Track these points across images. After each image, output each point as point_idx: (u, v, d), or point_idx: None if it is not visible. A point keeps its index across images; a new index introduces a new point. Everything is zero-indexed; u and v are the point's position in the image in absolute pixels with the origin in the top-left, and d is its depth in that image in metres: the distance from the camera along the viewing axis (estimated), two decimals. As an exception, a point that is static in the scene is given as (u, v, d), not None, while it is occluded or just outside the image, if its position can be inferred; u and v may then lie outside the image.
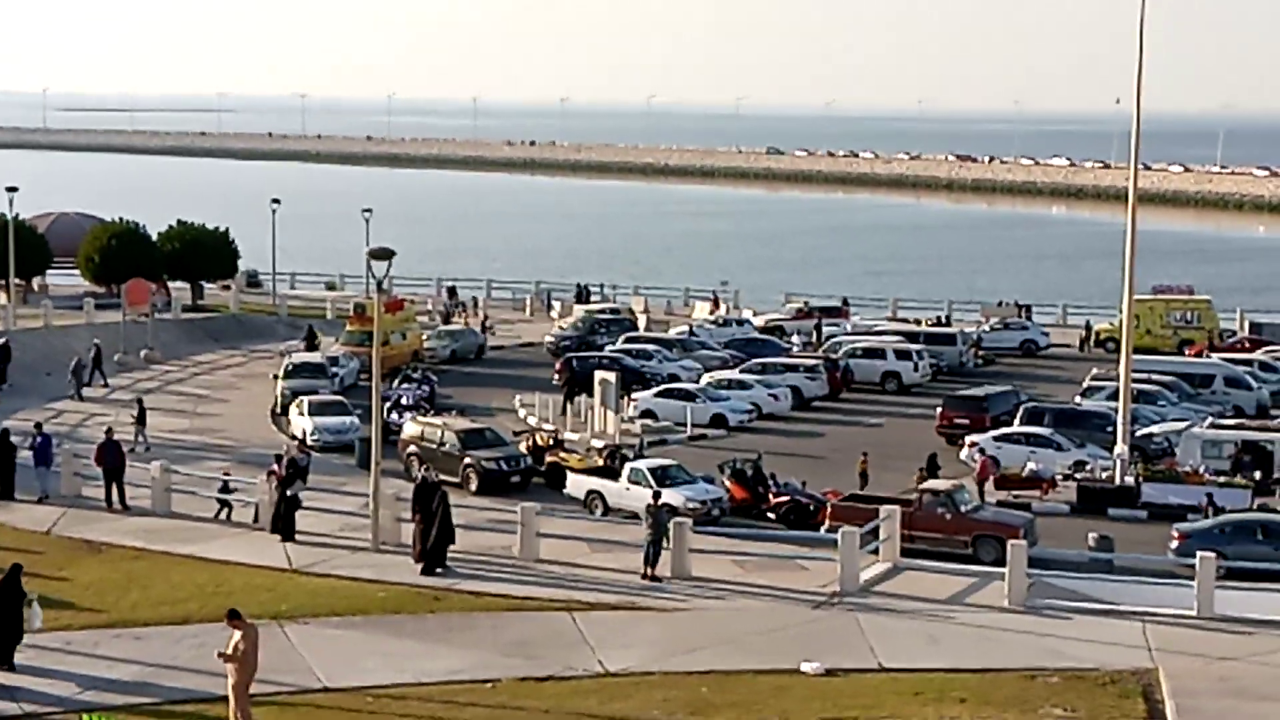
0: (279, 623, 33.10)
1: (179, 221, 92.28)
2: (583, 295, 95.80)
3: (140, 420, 53.97)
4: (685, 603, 35.40)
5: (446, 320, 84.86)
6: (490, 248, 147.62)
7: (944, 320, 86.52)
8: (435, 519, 37.92)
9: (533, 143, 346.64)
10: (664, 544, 37.16)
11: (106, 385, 65.64)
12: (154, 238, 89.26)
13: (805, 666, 30.63)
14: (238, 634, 27.27)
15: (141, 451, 50.91)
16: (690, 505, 44.48)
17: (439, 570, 37.38)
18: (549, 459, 51.02)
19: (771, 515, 46.14)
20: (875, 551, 38.13)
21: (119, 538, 40.72)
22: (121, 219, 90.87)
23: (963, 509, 42.88)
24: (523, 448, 51.98)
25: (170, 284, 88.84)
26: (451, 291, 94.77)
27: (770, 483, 47.70)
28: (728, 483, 47.91)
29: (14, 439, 46.21)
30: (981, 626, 33.55)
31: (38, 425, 47.06)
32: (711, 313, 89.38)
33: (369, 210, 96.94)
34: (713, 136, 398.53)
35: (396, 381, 61.92)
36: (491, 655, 31.91)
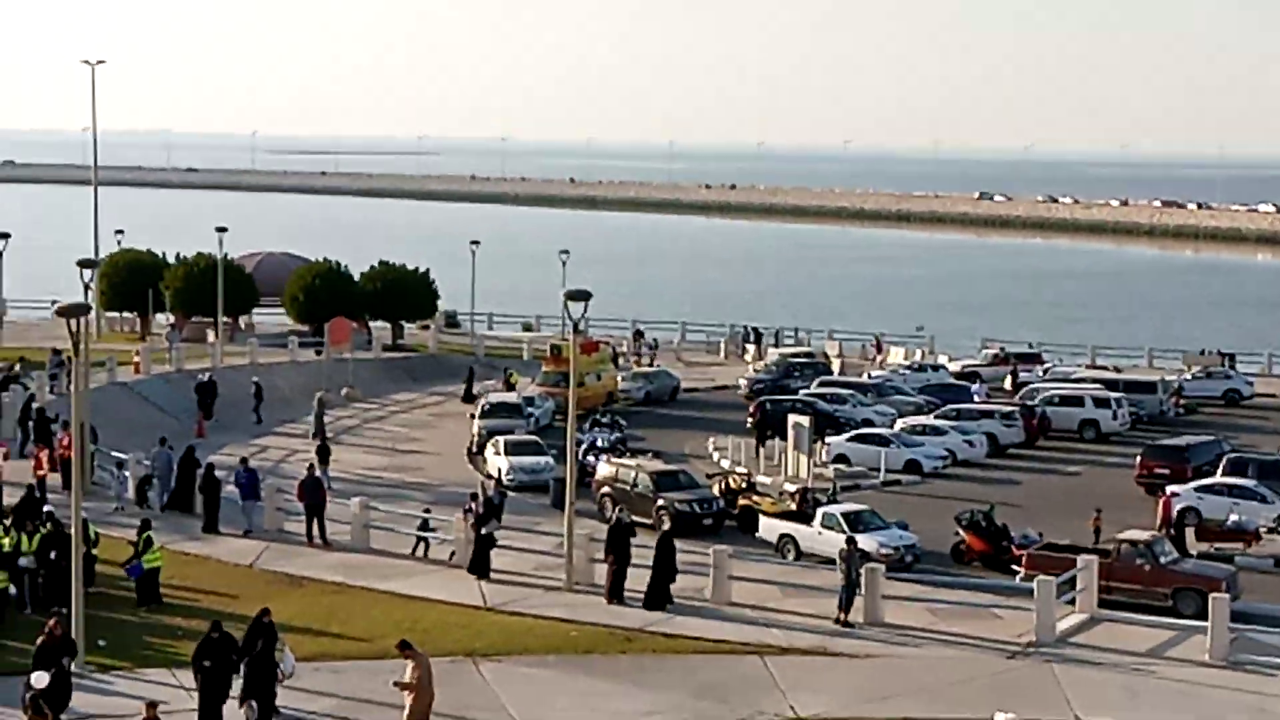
0: (473, 660, 33.48)
1: (380, 262, 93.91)
2: (756, 339, 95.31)
3: (324, 458, 54.63)
4: (878, 649, 35.18)
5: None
6: (684, 290, 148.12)
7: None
8: (629, 559, 38.33)
9: (733, 186, 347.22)
10: (857, 589, 36.99)
11: (260, 422, 66.87)
12: (356, 278, 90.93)
13: (999, 717, 30.24)
14: (410, 664, 27.81)
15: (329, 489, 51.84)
16: (883, 551, 44.16)
17: (664, 609, 37.69)
18: (742, 502, 51.02)
19: (1016, 567, 44.25)
20: (1071, 602, 37.58)
21: (319, 572, 41.48)
22: (325, 259, 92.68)
23: (1162, 560, 42.01)
24: (716, 490, 52.04)
25: (371, 323, 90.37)
26: (638, 334, 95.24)
27: (1006, 533, 46.51)
28: (964, 534, 46.94)
29: (219, 474, 47.34)
30: (1182, 681, 32.89)
31: (244, 460, 48.12)
32: (879, 356, 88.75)
33: (566, 252, 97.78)
34: (910, 180, 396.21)
35: (587, 425, 62.37)
36: (683, 697, 31.97)
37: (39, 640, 29.53)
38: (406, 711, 27.83)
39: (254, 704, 29.06)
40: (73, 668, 29.82)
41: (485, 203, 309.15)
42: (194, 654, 30.01)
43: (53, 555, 36.91)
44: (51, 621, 30.05)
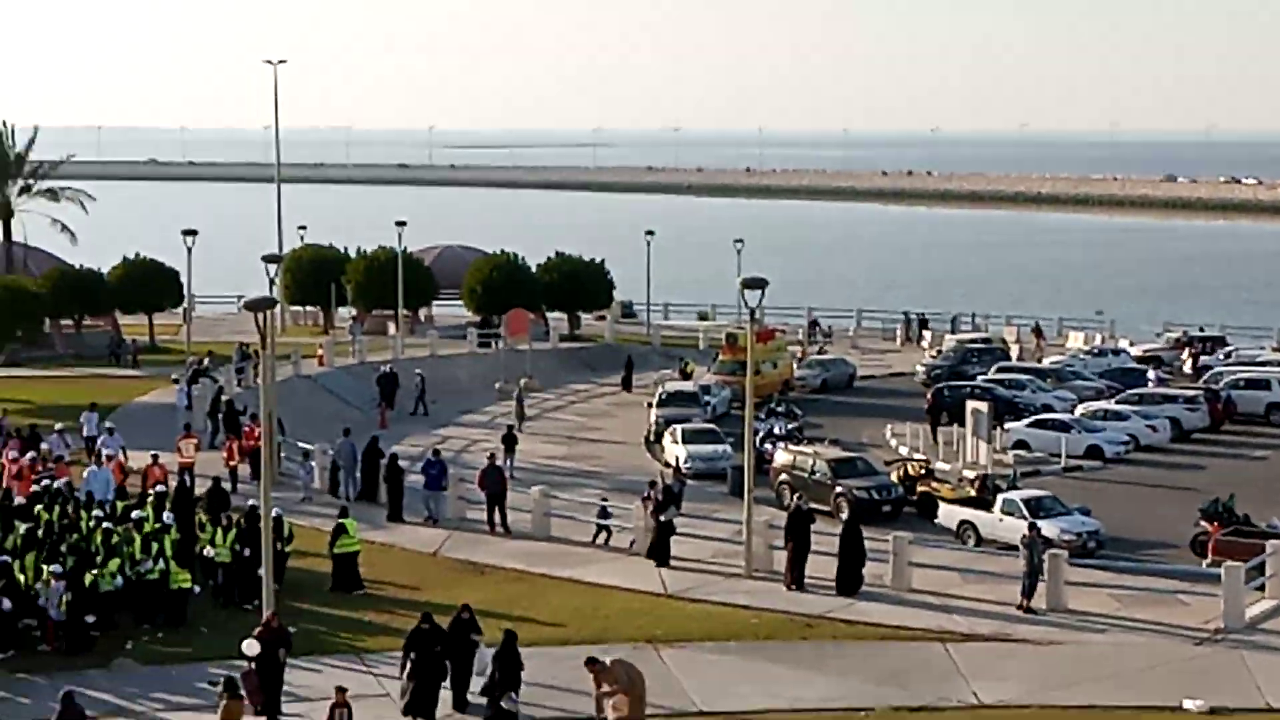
0: (655, 646, 33.73)
1: (557, 253, 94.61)
2: (921, 326, 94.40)
3: (509, 447, 55.28)
4: (1061, 635, 34.88)
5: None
6: (860, 277, 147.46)
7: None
8: (808, 546, 38.44)
9: (909, 172, 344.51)
10: (1039, 576, 36.68)
11: (426, 414, 67.66)
12: (533, 269, 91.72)
13: (1188, 704, 29.87)
14: (603, 682, 28.16)
15: (512, 478, 52.33)
16: (1066, 537, 43.71)
17: (854, 593, 37.83)
18: (920, 489, 50.77)
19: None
20: (1261, 588, 36.93)
21: (501, 560, 42.00)
22: (503, 251, 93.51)
23: (1355, 546, 41.01)
24: (894, 477, 51.83)
25: (548, 314, 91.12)
26: (814, 323, 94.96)
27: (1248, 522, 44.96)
28: (1207, 525, 45.25)
29: (402, 463, 48.09)
30: (1376, 668, 32.20)
31: (435, 452, 48.80)
32: (1039, 343, 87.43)
33: (741, 241, 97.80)
34: (1087, 164, 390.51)
35: (764, 413, 62.29)
36: (864, 684, 31.97)
37: (256, 631, 30.19)
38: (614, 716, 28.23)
39: (514, 695, 29.48)
40: (286, 660, 30.34)
41: (660, 193, 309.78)
42: (404, 644, 30.50)
43: (246, 552, 37.44)
44: (269, 613, 30.72)
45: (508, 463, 53.36)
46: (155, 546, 36.27)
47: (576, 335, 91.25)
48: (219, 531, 38.30)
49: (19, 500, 40.49)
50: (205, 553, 38.19)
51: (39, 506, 39.71)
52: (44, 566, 34.57)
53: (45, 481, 42.45)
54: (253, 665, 29.14)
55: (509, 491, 46.14)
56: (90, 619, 34.18)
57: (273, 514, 35.73)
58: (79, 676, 31.57)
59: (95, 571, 35.02)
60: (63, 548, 36.03)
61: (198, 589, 36.86)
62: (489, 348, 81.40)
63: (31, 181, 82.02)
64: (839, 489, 49.90)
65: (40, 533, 37.24)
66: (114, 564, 35.38)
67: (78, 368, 74.50)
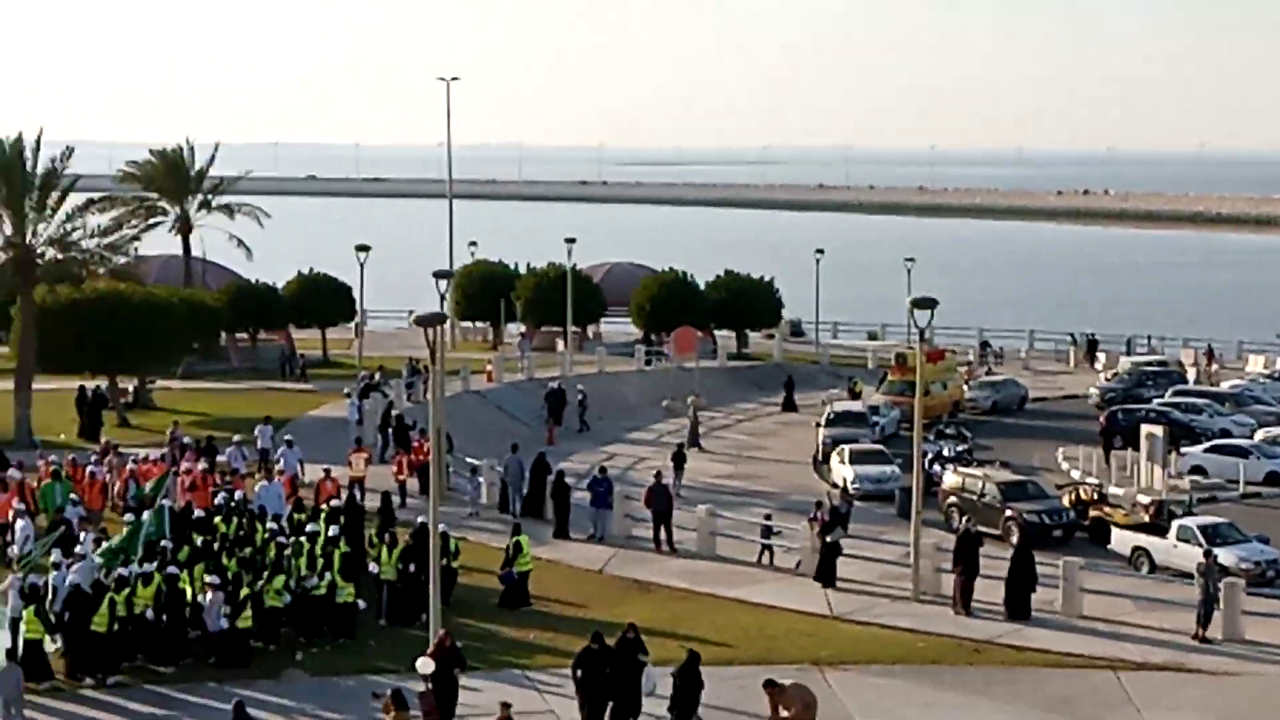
0: (820, 668, 33.45)
1: (726, 271, 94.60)
2: (1090, 347, 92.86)
3: (679, 465, 55.30)
4: (1238, 666, 34.05)
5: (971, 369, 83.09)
6: (1033, 298, 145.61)
7: None
8: (977, 570, 37.93)
9: (1085, 191, 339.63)
10: (1215, 605, 35.84)
11: (587, 430, 67.72)
12: (701, 287, 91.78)
13: (1369, 741, 29.00)
14: (781, 708, 27.96)
15: (679, 496, 52.24)
16: (1243, 566, 42.68)
17: (1024, 619, 37.32)
18: (1093, 514, 49.89)
19: None
20: None
21: (666, 579, 41.91)
22: (671, 269, 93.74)
23: None
24: (1066, 501, 50.99)
25: (716, 332, 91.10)
26: (985, 344, 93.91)
27: None
28: None
29: (569, 480, 48.22)
30: None
31: (602, 469, 48.91)
32: (1209, 366, 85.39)
33: (912, 260, 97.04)
34: (1269, 183, 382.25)
35: (933, 434, 61.66)
36: (1032, 711, 31.47)
37: (429, 650, 30.27)
38: None
39: (700, 716, 29.43)
40: (461, 679, 30.37)
41: (830, 211, 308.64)
42: (573, 664, 30.51)
43: (412, 569, 37.53)
44: (442, 632, 30.83)
45: (676, 481, 53.41)
46: (321, 561, 36.56)
47: (744, 354, 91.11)
48: (384, 549, 38.46)
49: (198, 512, 41.03)
50: (370, 569, 38.39)
51: (217, 518, 40.24)
52: (205, 578, 35.02)
53: (224, 494, 43.03)
54: (429, 686, 29.19)
55: (675, 510, 46.07)
56: (244, 629, 34.36)
57: (439, 530, 35.92)
58: (249, 686, 31.96)
59: (260, 585, 35.34)
60: (225, 560, 36.46)
61: (363, 604, 37.00)
62: (650, 365, 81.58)
63: (210, 197, 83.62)
64: (1009, 512, 49.19)
65: (216, 545, 37.73)
66: (279, 580, 35.65)
67: (252, 381, 75.76)
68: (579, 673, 30.12)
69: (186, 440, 51.99)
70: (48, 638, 32.71)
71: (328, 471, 47.13)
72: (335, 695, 32.48)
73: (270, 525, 39.57)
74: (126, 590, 33.79)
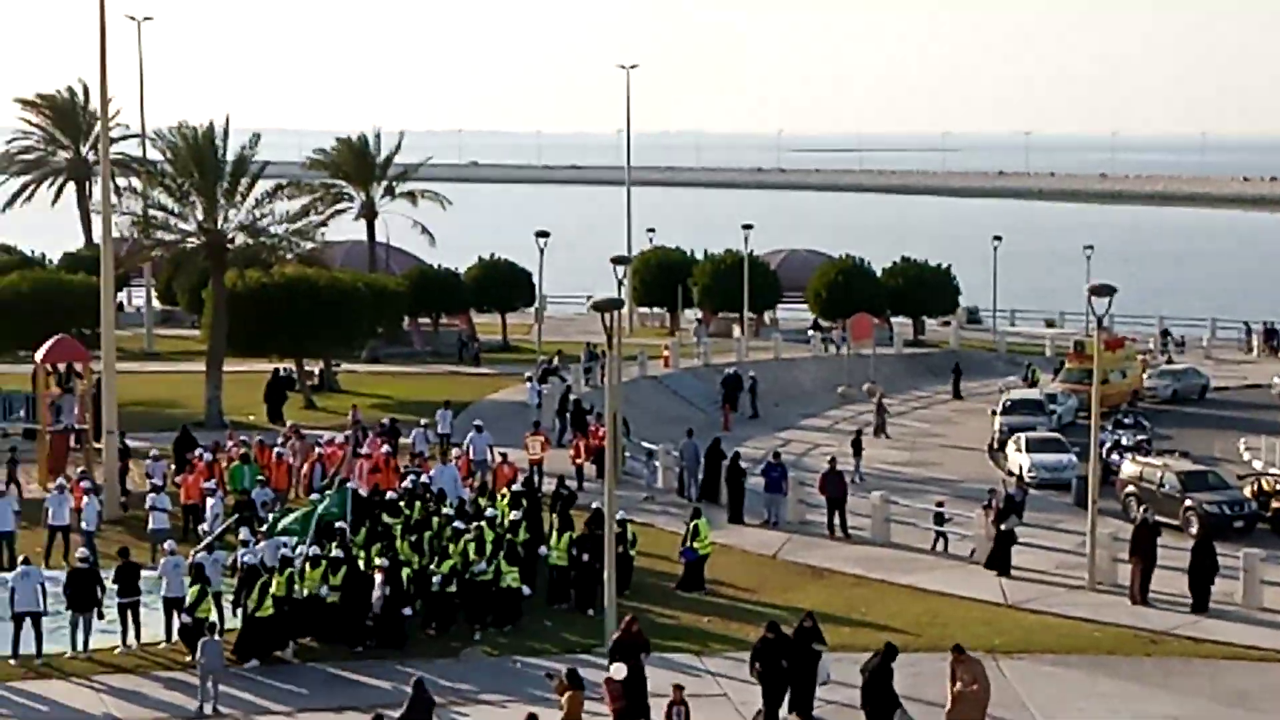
0: (993, 657, 33.46)
1: (902, 258, 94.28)
2: (1268, 336, 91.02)
3: (857, 451, 55.60)
4: None
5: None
6: (1217, 286, 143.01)
7: None
8: (1155, 560, 37.66)
9: (1272, 178, 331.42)
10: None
11: (757, 416, 67.84)
12: (878, 274, 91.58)
13: None
14: (961, 675, 28.08)
15: (857, 482, 52.40)
16: None
17: (1203, 610, 37.05)
18: (1275, 505, 49.14)
19: None
20: None
21: (840, 564, 42.11)
22: (847, 255, 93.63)
23: None
24: (1247, 492, 50.28)
25: (892, 319, 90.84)
26: (1165, 332, 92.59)
27: None
28: None
29: (744, 465, 48.53)
30: None
31: (776, 455, 49.21)
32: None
33: (1090, 247, 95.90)
34: None
35: (1110, 423, 61.04)
36: (1210, 703, 31.24)
37: (615, 636, 30.81)
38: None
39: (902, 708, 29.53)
40: (646, 663, 30.60)
41: (1008, 198, 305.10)
42: (751, 654, 30.73)
43: (585, 557, 37.60)
44: (629, 618, 31.25)
45: (856, 466, 53.65)
46: (490, 547, 36.69)
47: (920, 340, 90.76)
48: (554, 534, 38.71)
49: (389, 494, 41.66)
50: (541, 552, 38.61)
51: (402, 502, 40.78)
52: (375, 560, 35.51)
53: (410, 477, 43.73)
54: (619, 679, 29.46)
55: (850, 496, 46.24)
56: (407, 613, 34.70)
57: (617, 517, 36.34)
58: (428, 665, 32.67)
59: (431, 568, 35.82)
60: (400, 543, 37.03)
61: (528, 590, 36.98)
62: (825, 350, 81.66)
63: (394, 183, 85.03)
64: (1189, 503, 48.61)
65: (398, 528, 38.31)
66: (447, 565, 35.87)
67: (433, 365, 77.03)
68: (757, 664, 30.32)
69: (364, 422, 52.99)
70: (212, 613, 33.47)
71: (504, 455, 47.84)
72: (511, 675, 33.07)
73: (445, 510, 39.92)
74: (290, 571, 34.46)
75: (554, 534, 38.81)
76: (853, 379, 74.85)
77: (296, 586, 34.45)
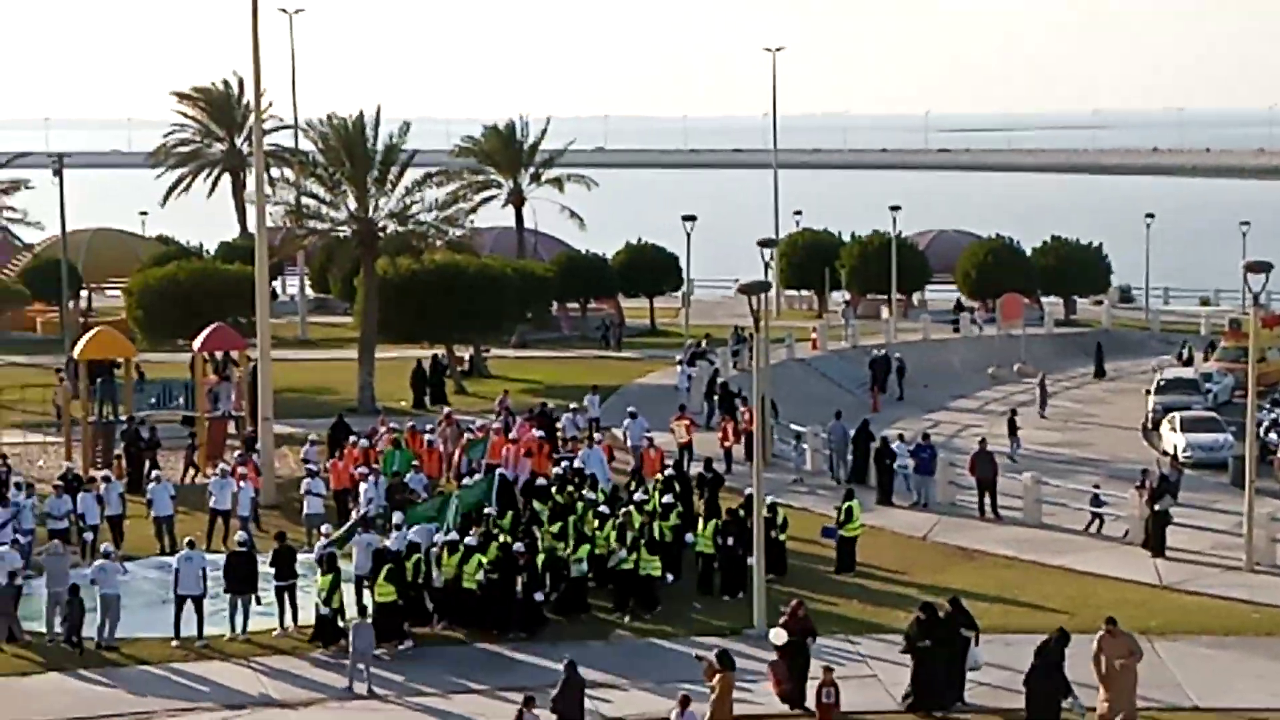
0: (1148, 638, 33.02)
1: (1052, 237, 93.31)
2: None
3: (1012, 432, 55.27)
4: None
5: None
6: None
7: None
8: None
9: None
10: None
11: (901, 398, 67.48)
12: (1028, 253, 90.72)
13: None
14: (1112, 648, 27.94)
15: (1011, 463, 51.98)
16: None
17: None
18: None
19: None
20: None
21: (991, 546, 41.84)
22: (997, 235, 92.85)
23: None
24: None
25: (1043, 299, 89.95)
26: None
27: None
28: None
29: (894, 447, 48.31)
30: None
31: (925, 436, 48.99)
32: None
33: (1247, 223, 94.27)
34: None
35: (1268, 402, 59.98)
36: (1369, 686, 30.68)
37: (781, 620, 30.81)
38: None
39: (1075, 697, 29.37)
40: (812, 646, 30.67)
41: (1161, 175, 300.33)
42: (905, 633, 30.70)
43: (730, 543, 37.31)
44: (795, 602, 31.23)
45: (1011, 447, 53.58)
46: (631, 534, 36.45)
47: (1072, 320, 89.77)
48: (700, 520, 38.54)
49: (540, 480, 41.87)
50: (687, 539, 38.37)
51: (553, 487, 40.90)
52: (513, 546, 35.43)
53: (564, 463, 43.81)
54: (780, 655, 29.48)
55: (1000, 477, 45.88)
56: (539, 598, 34.65)
57: (768, 501, 36.29)
58: (580, 647, 32.88)
59: (568, 554, 35.82)
60: (545, 527, 37.20)
61: (670, 577, 36.68)
62: (959, 330, 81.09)
63: (541, 170, 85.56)
64: (1348, 483, 47.74)
65: (546, 513, 38.40)
66: (584, 549, 35.80)
67: (582, 349, 77.45)
68: (909, 644, 30.20)
69: (512, 407, 53.24)
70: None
71: (650, 440, 47.94)
72: (660, 657, 33.22)
73: (588, 494, 39.89)
74: (416, 557, 34.72)
75: (700, 520, 38.73)
76: (1003, 360, 74.22)
77: (435, 573, 34.76)
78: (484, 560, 34.70)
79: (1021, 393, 69.55)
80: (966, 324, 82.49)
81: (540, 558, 35.32)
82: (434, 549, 35.54)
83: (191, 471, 48.34)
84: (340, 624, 33.41)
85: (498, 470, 42.21)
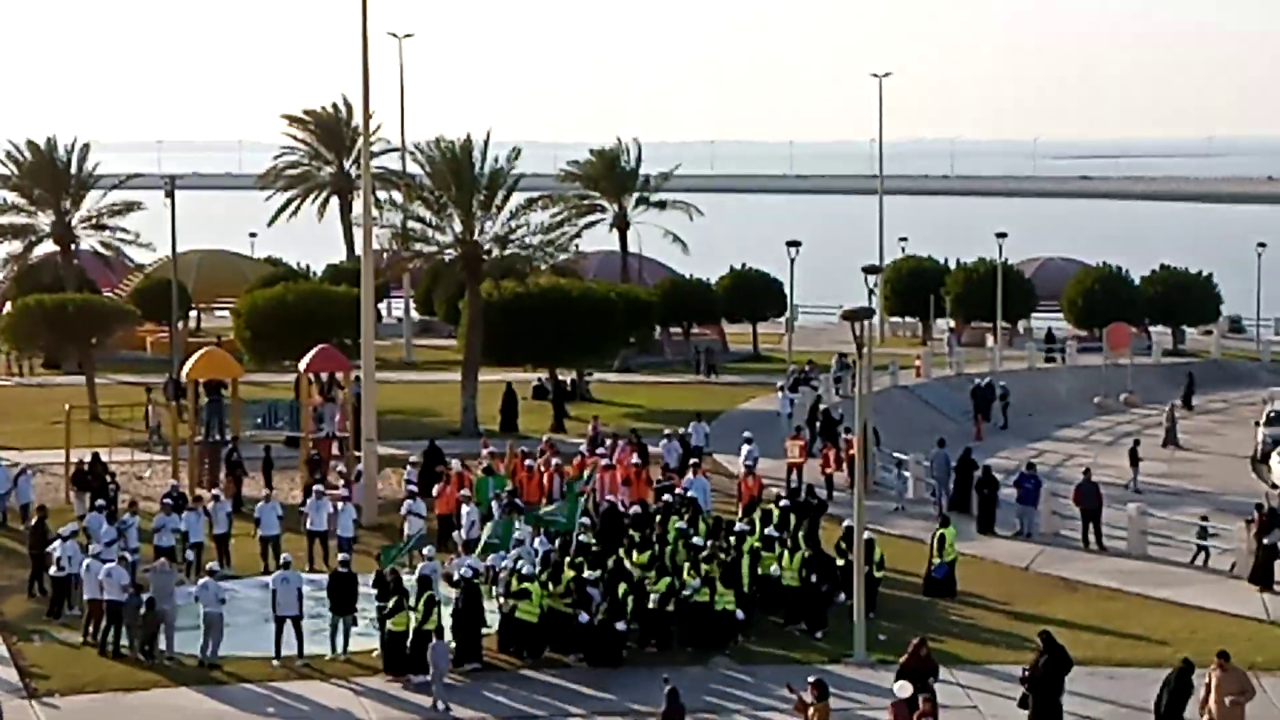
0: (1254, 673, 32.60)
1: (1161, 266, 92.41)
2: None
3: (1134, 462, 54.83)
4: None
5: None
6: None
7: None
8: None
9: None
10: None
11: (1005, 426, 66.78)
12: (1136, 282, 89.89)
13: None
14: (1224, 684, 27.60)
15: (1130, 492, 51.53)
16: None
17: None
18: None
19: None
20: None
21: (1094, 577, 41.37)
22: (1104, 263, 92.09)
23: None
24: None
25: (1150, 328, 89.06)
26: None
27: None
28: None
29: (996, 476, 47.89)
30: None
31: (1030, 465, 48.59)
32: None
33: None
34: None
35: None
36: None
37: (902, 660, 30.43)
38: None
39: None
40: (935, 685, 30.09)
41: (1276, 204, 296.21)
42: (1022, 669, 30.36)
43: (813, 579, 36.73)
44: (916, 641, 30.80)
45: (1134, 477, 54.16)
46: (705, 568, 35.55)
47: (1180, 350, 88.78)
48: (786, 553, 37.56)
49: (634, 507, 41.58)
50: (771, 571, 37.31)
51: (657, 516, 40.61)
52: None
53: (665, 495, 43.08)
54: (904, 697, 29.10)
55: (1105, 508, 45.39)
56: (620, 628, 34.25)
57: (864, 537, 36.02)
58: (679, 673, 32.70)
59: (648, 585, 35.26)
60: (636, 556, 36.80)
61: (740, 613, 35.66)
62: (1054, 361, 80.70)
63: (646, 194, 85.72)
64: None
65: (634, 540, 38.05)
66: (664, 582, 35.20)
67: (684, 375, 77.46)
68: (1025, 673, 29.90)
69: (603, 435, 52.80)
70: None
71: (748, 467, 47.69)
72: (759, 684, 32.99)
73: (678, 524, 39.26)
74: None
75: (785, 554, 37.67)
76: (1109, 389, 73.54)
77: (497, 601, 34.81)
78: (547, 591, 34.44)
79: (1128, 423, 68.88)
80: (1073, 352, 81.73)
81: (623, 587, 34.56)
82: (502, 574, 35.67)
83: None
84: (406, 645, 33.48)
85: (582, 498, 41.99)
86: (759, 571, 37.25)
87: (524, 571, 35.26)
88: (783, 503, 42.26)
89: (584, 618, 34.09)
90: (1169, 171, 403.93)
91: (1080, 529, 44.98)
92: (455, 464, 46.58)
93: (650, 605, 35.14)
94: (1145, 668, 32.95)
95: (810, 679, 28.46)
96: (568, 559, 36.12)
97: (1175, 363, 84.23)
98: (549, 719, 31.57)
